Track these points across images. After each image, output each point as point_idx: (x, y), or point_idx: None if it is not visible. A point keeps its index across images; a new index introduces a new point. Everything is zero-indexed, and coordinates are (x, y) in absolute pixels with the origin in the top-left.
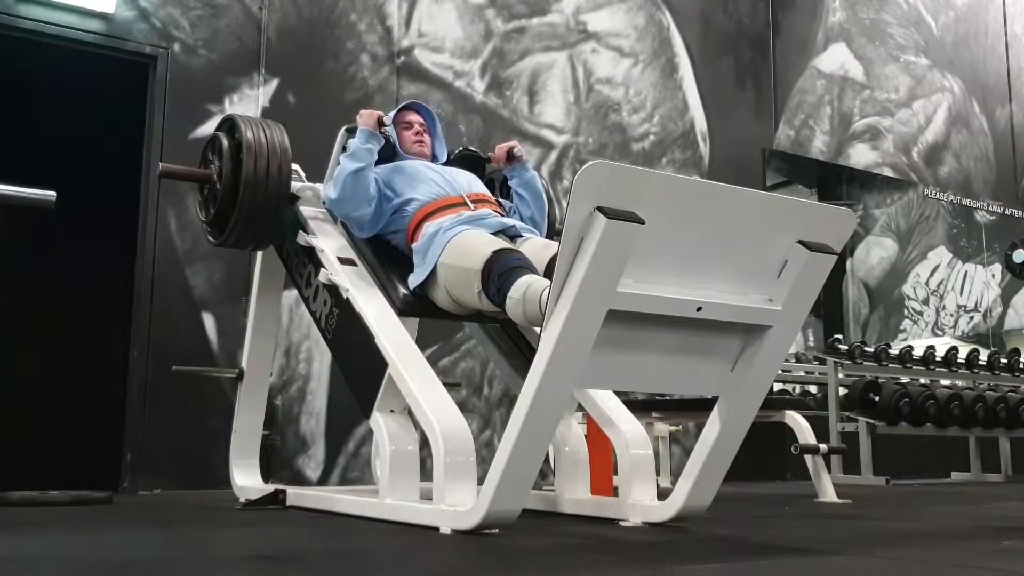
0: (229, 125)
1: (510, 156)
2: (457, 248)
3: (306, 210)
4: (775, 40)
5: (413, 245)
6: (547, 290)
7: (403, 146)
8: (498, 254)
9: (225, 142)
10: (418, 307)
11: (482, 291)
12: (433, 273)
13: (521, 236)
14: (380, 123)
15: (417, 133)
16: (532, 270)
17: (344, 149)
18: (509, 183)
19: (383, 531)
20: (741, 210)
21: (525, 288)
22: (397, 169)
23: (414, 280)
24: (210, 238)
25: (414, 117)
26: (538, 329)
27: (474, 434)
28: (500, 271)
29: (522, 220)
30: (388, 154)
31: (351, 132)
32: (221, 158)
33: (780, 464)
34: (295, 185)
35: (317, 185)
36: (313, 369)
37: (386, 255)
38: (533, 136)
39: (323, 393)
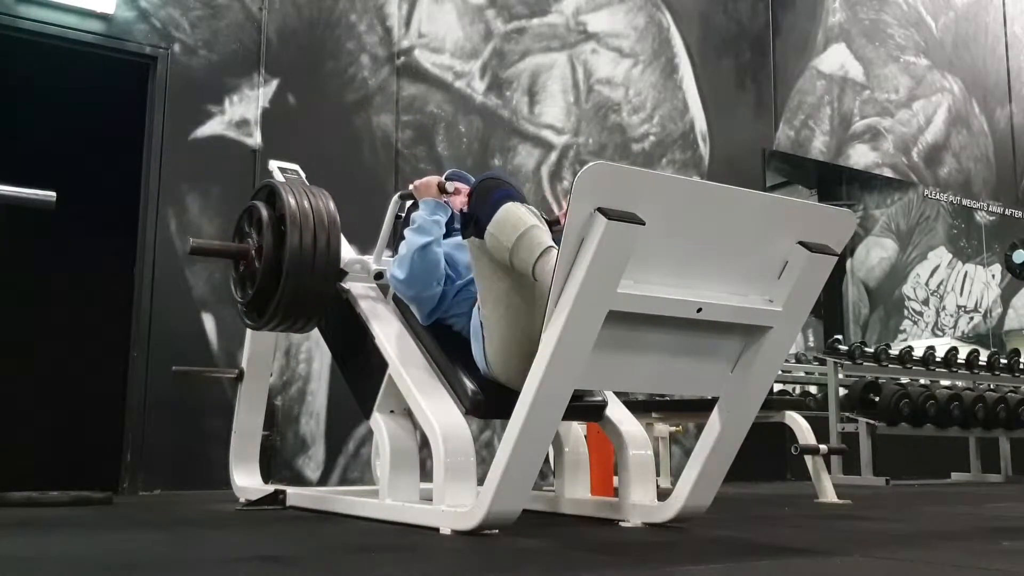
0: (268, 193)
1: None
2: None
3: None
4: (775, 40)
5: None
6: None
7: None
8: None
9: (264, 212)
10: (493, 407)
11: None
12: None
13: None
14: (441, 189)
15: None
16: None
17: (398, 217)
18: None
19: (383, 531)
20: (741, 211)
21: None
22: (461, 246)
23: (476, 352)
24: (247, 320)
25: (456, 183)
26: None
27: (474, 434)
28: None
29: None
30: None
31: (405, 199)
32: (260, 231)
33: (780, 464)
34: (344, 258)
35: (367, 258)
36: (313, 369)
37: (449, 343)
38: (533, 136)
39: (323, 393)
